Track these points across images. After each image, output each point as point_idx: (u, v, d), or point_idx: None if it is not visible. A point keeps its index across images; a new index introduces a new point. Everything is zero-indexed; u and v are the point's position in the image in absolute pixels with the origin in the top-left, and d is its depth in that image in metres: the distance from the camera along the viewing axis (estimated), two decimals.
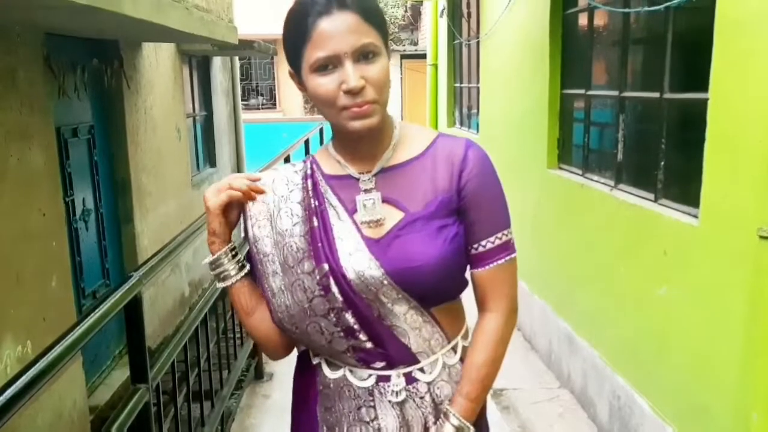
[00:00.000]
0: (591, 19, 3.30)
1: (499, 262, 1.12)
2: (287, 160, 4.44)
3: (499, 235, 1.12)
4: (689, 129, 2.39)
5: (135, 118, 4.64)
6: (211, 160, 6.88)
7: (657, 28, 2.60)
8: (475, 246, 1.12)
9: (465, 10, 5.88)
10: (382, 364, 1.11)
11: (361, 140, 1.08)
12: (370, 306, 1.07)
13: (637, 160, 2.85)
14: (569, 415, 3.20)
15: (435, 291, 1.09)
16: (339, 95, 1.01)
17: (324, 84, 1.02)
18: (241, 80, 10.02)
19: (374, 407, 1.11)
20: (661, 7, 2.43)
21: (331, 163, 1.14)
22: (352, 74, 1.00)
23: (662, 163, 2.54)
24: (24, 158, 3.17)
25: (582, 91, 3.38)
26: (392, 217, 1.09)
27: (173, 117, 5.46)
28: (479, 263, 1.12)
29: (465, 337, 1.19)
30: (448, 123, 6.90)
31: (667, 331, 2.43)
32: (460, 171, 1.09)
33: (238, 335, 3.09)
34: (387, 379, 1.11)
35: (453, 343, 1.15)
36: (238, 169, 7.78)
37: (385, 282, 1.05)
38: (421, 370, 1.12)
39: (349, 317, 1.07)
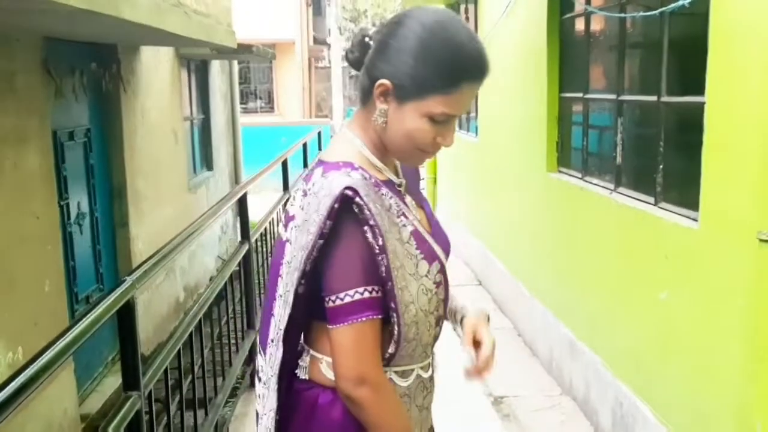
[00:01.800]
0: (588, 23, 3.29)
1: None
2: (285, 163, 4.41)
3: None
4: (688, 132, 2.38)
5: (132, 122, 4.62)
6: (208, 163, 6.86)
7: (653, 32, 2.59)
8: None
9: (463, 15, 5.88)
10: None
11: None
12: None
13: (636, 164, 2.84)
14: (571, 422, 3.16)
15: None
16: (430, 142, 1.09)
17: (427, 131, 1.08)
18: (240, 84, 10.01)
19: (432, 392, 1.21)
20: (656, 12, 2.42)
21: (373, 170, 1.15)
22: (452, 136, 1.10)
23: (661, 166, 2.53)
24: (19, 161, 3.14)
25: (580, 95, 3.37)
26: (421, 213, 1.21)
27: (170, 120, 5.44)
28: None
29: None
30: None
31: (669, 337, 2.41)
32: (413, 168, 1.27)
33: (233, 341, 3.06)
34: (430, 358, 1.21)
35: None
36: (236, 172, 7.74)
37: (445, 267, 1.18)
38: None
39: (443, 307, 1.17)
